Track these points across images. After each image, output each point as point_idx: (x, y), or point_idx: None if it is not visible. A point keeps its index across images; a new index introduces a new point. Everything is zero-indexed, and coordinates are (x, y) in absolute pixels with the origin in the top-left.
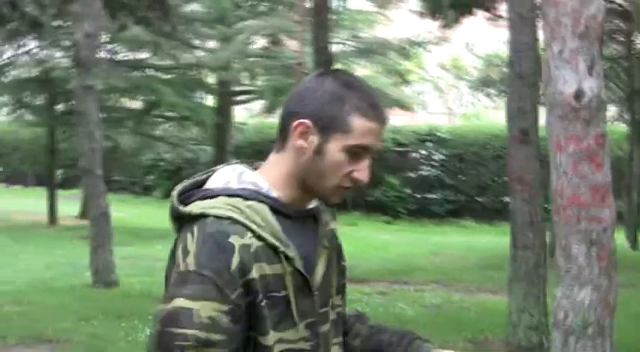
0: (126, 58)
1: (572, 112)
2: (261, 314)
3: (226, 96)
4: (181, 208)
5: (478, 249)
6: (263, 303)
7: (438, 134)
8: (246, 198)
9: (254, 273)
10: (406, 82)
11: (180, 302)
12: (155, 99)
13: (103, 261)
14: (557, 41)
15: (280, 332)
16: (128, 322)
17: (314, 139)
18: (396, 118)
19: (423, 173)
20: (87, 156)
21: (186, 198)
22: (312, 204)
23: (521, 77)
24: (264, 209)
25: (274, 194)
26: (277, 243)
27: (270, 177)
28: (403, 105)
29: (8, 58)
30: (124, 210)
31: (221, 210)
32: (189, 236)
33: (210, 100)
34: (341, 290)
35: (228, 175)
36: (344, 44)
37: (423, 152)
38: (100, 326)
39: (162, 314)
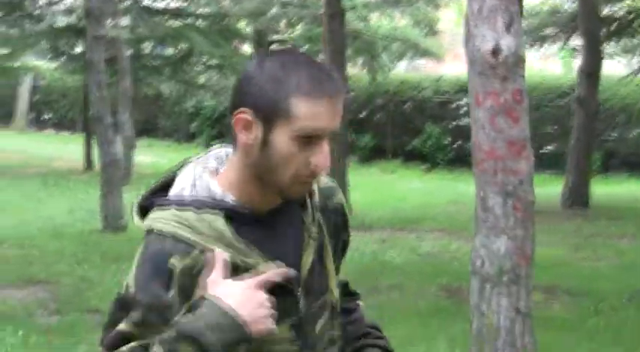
0: (158, 6)
1: (490, 69)
2: None
3: (262, 46)
4: (135, 220)
5: None
6: None
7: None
8: (197, 209)
9: (197, 295)
10: (435, 31)
11: (122, 327)
12: (189, 47)
13: (113, 206)
14: None
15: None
16: (120, 265)
17: (257, 131)
18: (439, 68)
19: (462, 122)
20: (97, 104)
21: (150, 204)
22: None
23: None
24: (218, 219)
25: (231, 199)
26: (232, 255)
27: (228, 179)
28: (433, 55)
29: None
30: (165, 156)
31: (166, 225)
32: (138, 252)
33: (247, 49)
34: (339, 271)
35: (186, 179)
36: None
37: (463, 101)
38: (92, 269)
39: (106, 341)
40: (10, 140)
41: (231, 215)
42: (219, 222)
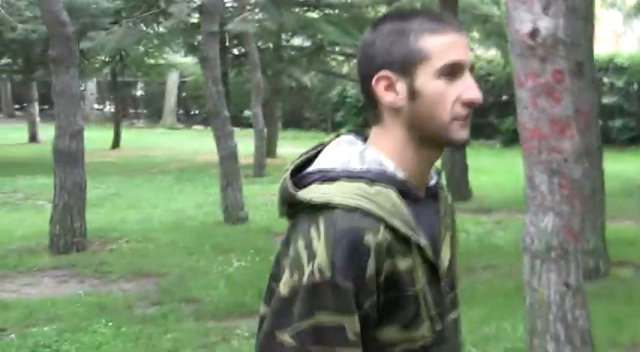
0: None
1: (529, 50)
2: (388, 311)
3: None
4: (298, 195)
5: (624, 178)
6: (392, 300)
7: (618, 61)
8: (371, 182)
9: (384, 273)
10: None
11: (322, 317)
12: (320, 38)
13: (232, 199)
14: None
15: (411, 331)
16: (229, 255)
17: (401, 86)
18: None
19: (604, 101)
20: (213, 99)
21: (300, 179)
22: (433, 181)
23: (574, 10)
24: (392, 194)
25: (401, 175)
26: (410, 233)
27: (389, 152)
28: None
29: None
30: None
31: (349, 198)
32: (313, 231)
33: None
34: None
35: (347, 152)
36: None
37: (605, 80)
38: (202, 260)
39: (303, 332)
40: (159, 137)
41: (402, 192)
42: (394, 197)
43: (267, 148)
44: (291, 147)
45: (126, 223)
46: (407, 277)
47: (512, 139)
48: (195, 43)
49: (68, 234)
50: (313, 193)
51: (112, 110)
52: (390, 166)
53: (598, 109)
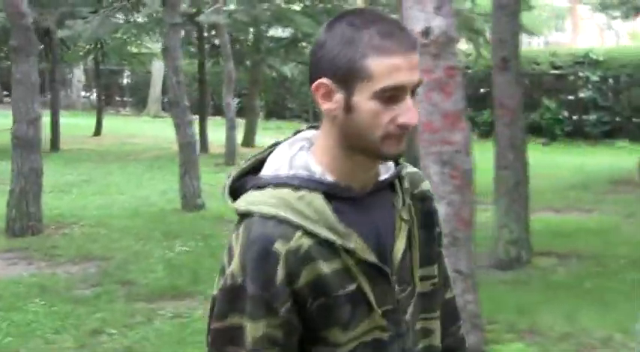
0: None
1: (422, 47)
2: (323, 315)
3: None
4: (229, 203)
5: (587, 171)
6: (323, 304)
7: (593, 56)
8: (297, 188)
9: (303, 279)
10: (530, 7)
11: (231, 320)
12: (293, 29)
13: (190, 187)
14: None
15: (351, 330)
16: (176, 241)
17: (338, 97)
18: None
19: (580, 95)
20: (173, 89)
21: (240, 186)
22: (386, 175)
23: (501, 7)
24: (318, 198)
25: (329, 177)
26: (334, 237)
27: (322, 155)
28: (530, 31)
29: None
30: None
31: (267, 206)
32: (234, 238)
33: None
34: (436, 260)
35: (282, 157)
36: None
37: (580, 74)
38: (148, 245)
39: (213, 334)
40: (142, 125)
41: (330, 194)
42: (319, 202)
43: (246, 138)
44: (272, 138)
45: (86, 209)
46: (335, 280)
47: (489, 132)
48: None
49: (24, 218)
50: (241, 201)
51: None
52: (318, 170)
53: (522, 103)
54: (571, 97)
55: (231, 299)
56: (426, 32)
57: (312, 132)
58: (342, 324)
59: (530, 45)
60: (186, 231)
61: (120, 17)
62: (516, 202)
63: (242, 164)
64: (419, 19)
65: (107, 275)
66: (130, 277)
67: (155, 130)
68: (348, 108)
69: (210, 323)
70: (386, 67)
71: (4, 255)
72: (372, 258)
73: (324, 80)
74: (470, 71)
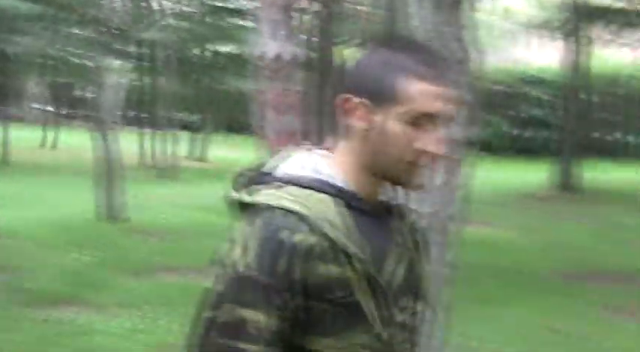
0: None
1: (268, 71)
2: (313, 319)
3: None
4: (245, 197)
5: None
6: (316, 308)
7: (540, 74)
8: (319, 191)
9: (314, 278)
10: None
11: (243, 312)
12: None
13: (112, 198)
14: (260, 12)
15: (337, 340)
16: (81, 251)
17: (368, 116)
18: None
19: (523, 112)
20: (94, 106)
21: (249, 182)
22: (385, 197)
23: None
24: (339, 205)
25: (350, 188)
26: (348, 244)
27: (343, 167)
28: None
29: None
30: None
31: (289, 202)
32: (250, 229)
33: None
34: (420, 297)
35: (303, 163)
36: None
37: (524, 91)
38: (56, 255)
39: (215, 324)
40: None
41: (348, 203)
42: (340, 208)
43: (198, 152)
44: (225, 151)
45: (8, 221)
46: (336, 285)
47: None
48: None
49: None
50: (258, 196)
51: (54, 111)
52: (340, 179)
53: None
54: (513, 113)
55: (239, 290)
56: (269, 56)
57: (322, 151)
58: (328, 332)
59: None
60: (98, 241)
61: (68, 31)
62: None
63: (256, 161)
64: (266, 44)
65: (5, 283)
66: (28, 285)
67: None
68: (375, 128)
69: (208, 316)
70: (416, 91)
71: None
72: (375, 273)
73: (356, 97)
74: None
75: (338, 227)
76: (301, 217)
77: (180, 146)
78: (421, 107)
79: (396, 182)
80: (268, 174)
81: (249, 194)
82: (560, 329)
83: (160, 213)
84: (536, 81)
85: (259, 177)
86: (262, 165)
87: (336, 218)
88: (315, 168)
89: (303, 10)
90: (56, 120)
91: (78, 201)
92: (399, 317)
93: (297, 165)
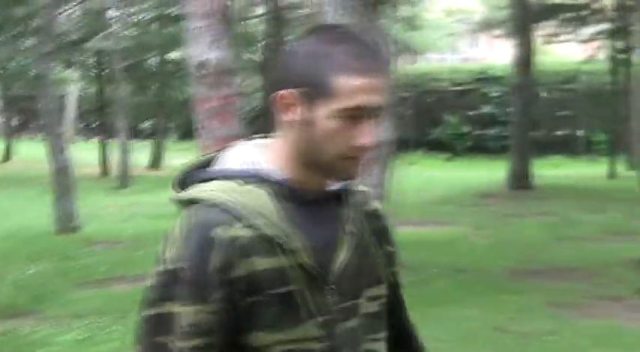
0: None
1: (201, 78)
2: (252, 314)
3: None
4: (175, 194)
5: (467, 185)
6: (254, 302)
7: (492, 72)
8: (244, 182)
9: (238, 271)
10: (415, 27)
11: (163, 307)
12: None
13: (64, 210)
14: (190, 20)
15: (279, 333)
16: (30, 262)
17: (300, 109)
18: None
19: (480, 111)
20: (47, 117)
21: (188, 180)
22: (335, 186)
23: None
24: (264, 194)
25: (279, 176)
26: (277, 234)
27: (275, 157)
28: (414, 50)
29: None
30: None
31: (212, 195)
32: (180, 225)
33: None
34: (384, 280)
35: (239, 157)
36: None
37: (480, 90)
38: (8, 266)
39: (146, 320)
40: None
41: (278, 192)
42: (265, 198)
43: (154, 160)
44: (183, 159)
45: None
46: (271, 277)
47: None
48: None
49: None
50: (190, 191)
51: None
52: (269, 168)
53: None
54: (472, 113)
55: (166, 285)
56: (204, 64)
57: (265, 140)
58: (269, 326)
59: (444, 61)
60: (49, 252)
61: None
62: None
63: (195, 159)
64: (197, 52)
65: None
66: None
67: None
68: (307, 122)
69: (142, 314)
70: (350, 87)
71: None
72: (311, 262)
73: (288, 91)
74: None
75: (271, 219)
76: (231, 211)
77: (141, 154)
78: (350, 102)
79: (329, 174)
80: (204, 170)
81: (184, 191)
82: (510, 328)
83: (114, 222)
84: (491, 79)
85: (195, 173)
86: (200, 162)
87: (268, 210)
88: (250, 161)
89: (251, 18)
90: (9, 132)
91: (33, 213)
92: (357, 306)
93: (233, 159)
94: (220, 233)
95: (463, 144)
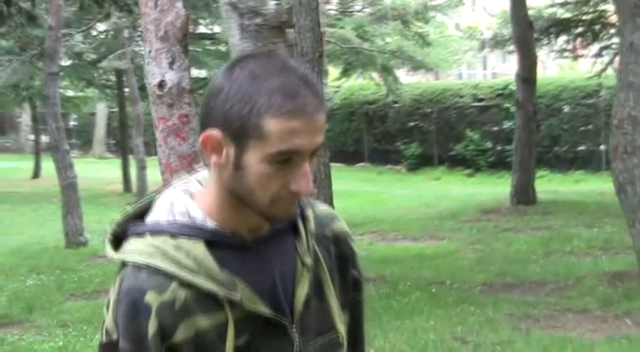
0: None
1: (159, 98)
2: None
3: None
4: (111, 254)
5: (476, 200)
6: None
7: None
8: (174, 236)
9: (180, 334)
10: (428, 44)
11: None
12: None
13: (72, 225)
14: (147, 43)
15: None
16: (32, 275)
17: (229, 152)
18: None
19: (502, 126)
20: (53, 134)
21: (119, 233)
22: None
23: (302, 55)
24: (198, 246)
25: (210, 224)
26: (215, 288)
27: (207, 202)
28: (427, 66)
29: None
30: None
31: (141, 256)
32: (111, 290)
33: None
34: (348, 305)
35: (164, 202)
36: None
37: (502, 105)
38: (10, 279)
39: None
40: (85, 166)
41: (213, 242)
42: (199, 250)
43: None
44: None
45: None
46: (218, 335)
47: (417, 164)
48: (90, 78)
49: None
50: (121, 250)
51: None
52: (199, 216)
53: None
54: (494, 128)
55: None
56: (161, 85)
57: (197, 185)
58: None
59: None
60: (52, 266)
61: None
62: None
63: (127, 208)
64: (155, 73)
65: None
66: None
67: (97, 171)
68: (237, 165)
69: None
70: (282, 129)
71: None
72: (262, 308)
73: (214, 132)
74: (397, 105)
75: (209, 271)
76: (163, 271)
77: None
78: (283, 145)
79: (262, 216)
80: (140, 221)
81: (117, 248)
82: (468, 338)
83: None
84: (507, 94)
85: (130, 227)
86: (134, 211)
87: (205, 262)
88: (172, 210)
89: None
90: (38, 150)
91: (51, 229)
92: (323, 347)
93: (165, 210)
94: (151, 299)
95: (485, 160)
